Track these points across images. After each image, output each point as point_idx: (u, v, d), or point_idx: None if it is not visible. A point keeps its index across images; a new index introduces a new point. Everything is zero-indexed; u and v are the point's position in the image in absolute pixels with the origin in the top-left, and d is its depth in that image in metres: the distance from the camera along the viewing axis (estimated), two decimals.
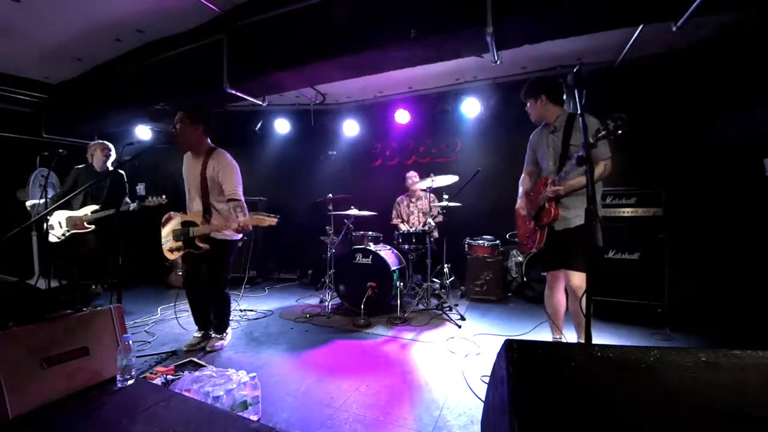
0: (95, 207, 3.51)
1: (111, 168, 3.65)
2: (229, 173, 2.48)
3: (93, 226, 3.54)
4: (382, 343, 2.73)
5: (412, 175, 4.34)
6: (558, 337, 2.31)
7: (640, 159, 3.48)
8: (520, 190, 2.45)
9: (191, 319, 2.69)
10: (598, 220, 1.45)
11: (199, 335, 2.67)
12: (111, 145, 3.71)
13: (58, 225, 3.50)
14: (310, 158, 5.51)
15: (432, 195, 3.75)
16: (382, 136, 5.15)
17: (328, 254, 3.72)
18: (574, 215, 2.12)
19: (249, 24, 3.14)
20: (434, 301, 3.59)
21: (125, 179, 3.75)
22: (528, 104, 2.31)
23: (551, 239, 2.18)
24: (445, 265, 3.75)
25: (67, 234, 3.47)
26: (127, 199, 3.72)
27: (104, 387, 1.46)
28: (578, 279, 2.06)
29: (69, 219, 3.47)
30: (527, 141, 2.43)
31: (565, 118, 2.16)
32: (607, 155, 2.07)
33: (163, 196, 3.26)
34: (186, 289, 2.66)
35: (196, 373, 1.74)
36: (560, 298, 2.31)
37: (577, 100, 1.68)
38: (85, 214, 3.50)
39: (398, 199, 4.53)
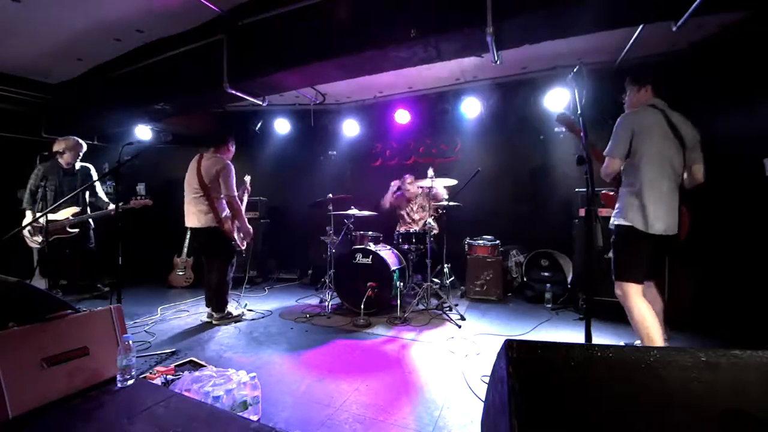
0: (76, 209, 3.49)
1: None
2: None
3: (76, 230, 3.55)
4: (382, 343, 2.74)
5: (407, 180, 4.28)
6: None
7: None
8: None
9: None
10: (597, 220, 1.46)
11: None
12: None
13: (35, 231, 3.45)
14: (310, 158, 5.51)
15: (435, 188, 3.66)
16: (382, 136, 5.15)
17: (328, 254, 3.72)
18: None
19: (249, 24, 3.13)
20: (434, 301, 3.59)
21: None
22: (629, 92, 2.27)
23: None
24: (445, 265, 3.75)
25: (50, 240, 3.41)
26: (103, 196, 3.81)
27: (104, 387, 1.46)
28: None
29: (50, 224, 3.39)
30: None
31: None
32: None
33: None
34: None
35: (196, 373, 1.74)
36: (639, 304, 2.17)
37: (577, 99, 1.69)
38: (67, 218, 3.47)
39: (392, 183, 4.38)
